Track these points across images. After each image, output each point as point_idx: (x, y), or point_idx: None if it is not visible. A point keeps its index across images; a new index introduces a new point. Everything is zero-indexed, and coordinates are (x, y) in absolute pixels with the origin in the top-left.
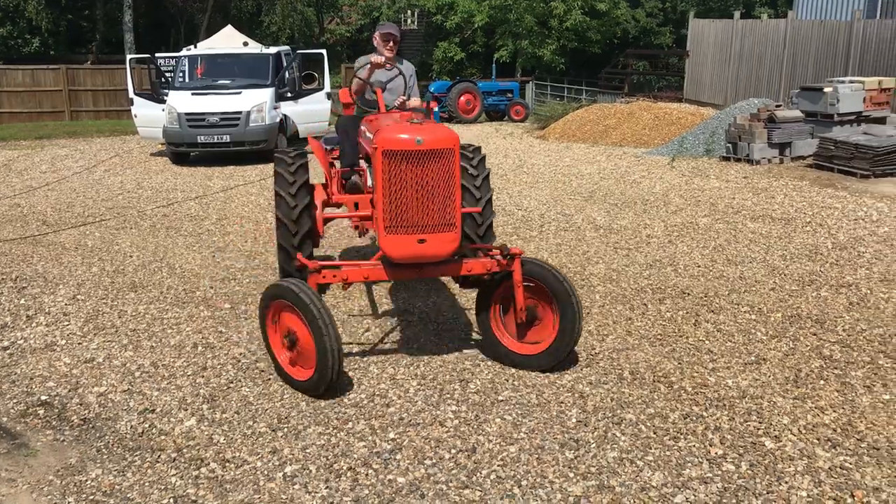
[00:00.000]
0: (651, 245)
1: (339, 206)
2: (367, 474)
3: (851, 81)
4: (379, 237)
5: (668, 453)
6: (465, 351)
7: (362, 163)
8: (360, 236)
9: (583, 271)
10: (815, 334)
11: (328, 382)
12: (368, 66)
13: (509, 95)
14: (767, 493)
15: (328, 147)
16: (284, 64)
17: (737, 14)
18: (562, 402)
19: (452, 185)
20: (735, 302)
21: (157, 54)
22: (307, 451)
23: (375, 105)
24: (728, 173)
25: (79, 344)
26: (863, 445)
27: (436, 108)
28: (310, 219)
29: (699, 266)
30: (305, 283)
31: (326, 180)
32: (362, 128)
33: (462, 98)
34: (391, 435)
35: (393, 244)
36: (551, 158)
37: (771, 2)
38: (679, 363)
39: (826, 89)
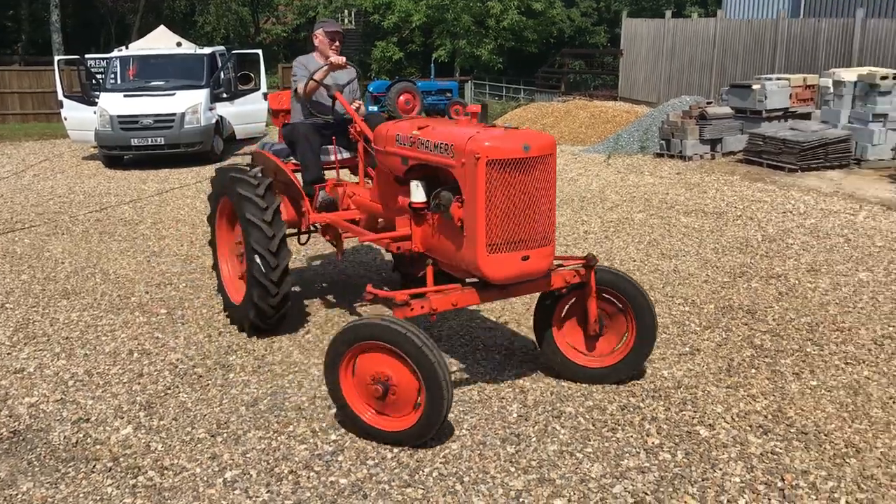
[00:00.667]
0: (588, 241)
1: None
2: (308, 477)
3: (778, 78)
4: (477, 258)
5: (606, 444)
6: None
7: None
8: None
9: None
10: (746, 324)
11: (438, 427)
12: (325, 66)
13: (448, 95)
14: (702, 480)
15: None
16: (219, 64)
17: (668, 13)
18: (503, 398)
19: (553, 194)
20: (670, 295)
21: (87, 55)
22: (247, 455)
23: (328, 110)
24: (662, 169)
25: (8, 354)
26: (792, 431)
27: (375, 108)
28: (287, 248)
29: (635, 260)
30: (397, 318)
31: (293, 199)
32: (393, 134)
33: (401, 97)
34: (333, 437)
35: (496, 265)
36: None
37: (701, 1)
38: None
39: (754, 86)
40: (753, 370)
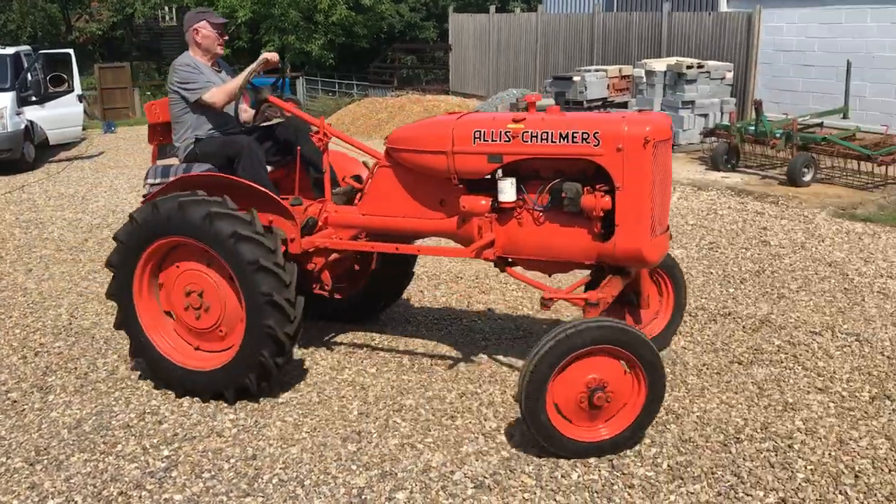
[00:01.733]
0: None
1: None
2: (140, 496)
3: (596, 70)
4: (641, 243)
5: (446, 433)
6: None
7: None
8: None
9: None
10: (580, 307)
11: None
12: (257, 65)
13: (279, 92)
14: (538, 457)
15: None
16: (25, 65)
17: (492, 8)
18: (343, 397)
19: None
20: (503, 281)
21: None
22: (71, 481)
23: (233, 119)
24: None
25: None
26: None
27: None
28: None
29: None
30: (616, 320)
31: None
32: (468, 133)
33: None
34: (165, 452)
35: (655, 248)
36: None
37: None
38: (454, 345)
39: (575, 78)
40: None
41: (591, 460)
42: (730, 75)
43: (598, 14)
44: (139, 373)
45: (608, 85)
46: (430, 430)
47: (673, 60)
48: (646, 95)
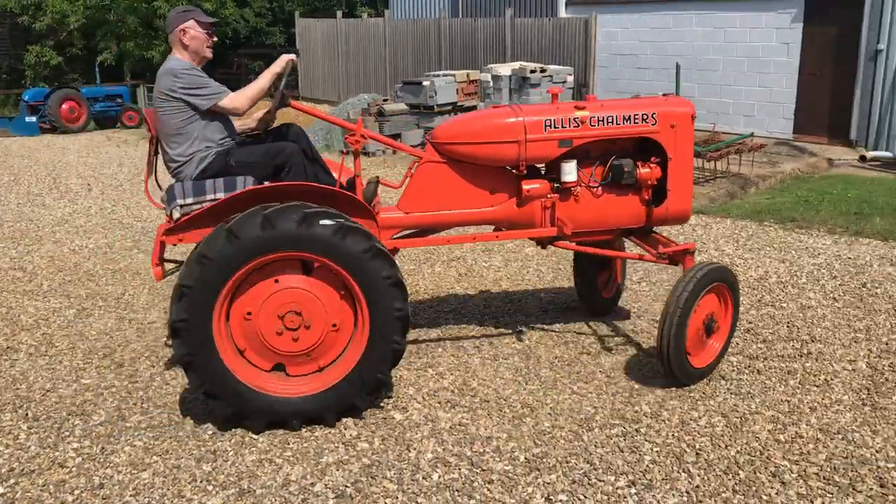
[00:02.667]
0: None
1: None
2: None
3: (445, 75)
4: (688, 205)
5: (305, 445)
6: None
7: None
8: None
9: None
10: (431, 308)
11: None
12: (285, 66)
13: (119, 101)
14: (399, 462)
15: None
16: None
17: (339, 13)
18: (197, 417)
19: None
20: None
21: None
22: None
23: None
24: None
25: None
26: (476, 401)
27: (34, 118)
28: None
29: None
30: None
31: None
32: (539, 121)
33: (64, 106)
34: (0, 490)
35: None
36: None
37: (371, 1)
38: None
39: (424, 83)
40: (440, 349)
41: (451, 459)
42: (571, 78)
43: (444, 20)
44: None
45: (457, 89)
46: (288, 444)
47: (517, 65)
48: (493, 99)
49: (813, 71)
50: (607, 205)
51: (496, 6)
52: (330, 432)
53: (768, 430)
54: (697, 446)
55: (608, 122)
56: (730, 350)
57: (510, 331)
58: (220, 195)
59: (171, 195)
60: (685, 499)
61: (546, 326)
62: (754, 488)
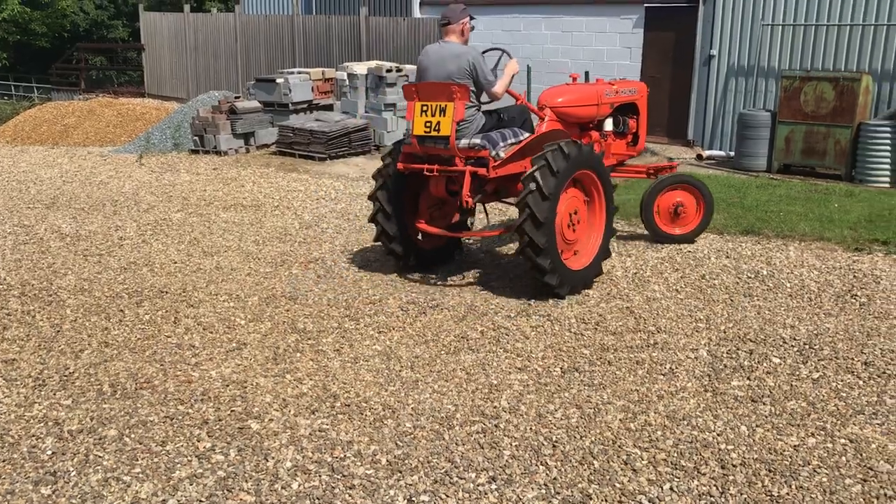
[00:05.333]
0: (124, 247)
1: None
2: None
3: (300, 72)
4: (645, 142)
5: (156, 460)
6: None
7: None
8: None
9: (50, 286)
10: (289, 310)
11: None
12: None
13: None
14: (256, 473)
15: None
16: None
17: (187, 7)
18: (34, 435)
19: None
20: (214, 293)
21: None
22: None
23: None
24: (198, 166)
25: None
26: (337, 405)
27: None
28: None
29: (176, 262)
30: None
31: None
32: (602, 91)
33: None
34: None
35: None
36: (3, 165)
37: None
38: (162, 365)
39: (279, 80)
40: (298, 354)
41: (311, 467)
42: None
43: (297, 16)
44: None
45: (312, 87)
46: (137, 460)
47: (373, 63)
48: (350, 98)
49: (653, 74)
50: (617, 144)
51: (351, 4)
52: (182, 445)
53: (620, 420)
54: (554, 439)
55: (623, 93)
56: (583, 343)
57: (371, 332)
58: (512, 139)
59: (497, 143)
60: (543, 491)
61: (407, 326)
62: (608, 477)
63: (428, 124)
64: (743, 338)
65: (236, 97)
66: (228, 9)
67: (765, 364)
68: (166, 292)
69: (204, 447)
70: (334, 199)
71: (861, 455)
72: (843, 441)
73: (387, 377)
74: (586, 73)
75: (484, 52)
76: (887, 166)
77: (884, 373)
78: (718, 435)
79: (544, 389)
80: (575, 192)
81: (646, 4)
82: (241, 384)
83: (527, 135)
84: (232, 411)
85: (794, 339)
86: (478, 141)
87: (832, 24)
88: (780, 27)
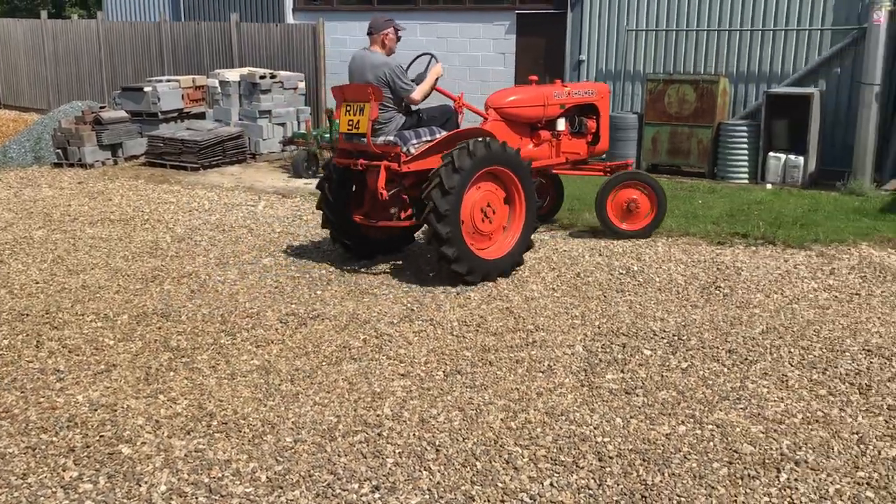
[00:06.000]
0: None
1: None
2: None
3: (169, 80)
4: (607, 143)
5: (16, 495)
6: None
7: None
8: None
9: None
10: (161, 328)
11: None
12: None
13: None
14: (128, 499)
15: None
16: None
17: (44, 14)
18: None
19: None
20: (80, 313)
21: None
22: None
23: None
24: (62, 180)
25: None
26: (214, 424)
27: None
28: None
29: (38, 282)
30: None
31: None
32: (550, 93)
33: None
34: None
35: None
36: None
37: (82, 2)
38: (23, 392)
39: (146, 89)
40: (172, 373)
41: (187, 489)
42: (302, 85)
43: (165, 23)
44: None
45: (183, 95)
46: None
47: (246, 70)
48: (222, 105)
49: (526, 79)
50: (574, 144)
51: (221, 10)
52: (45, 476)
53: (501, 419)
54: (437, 443)
55: (577, 94)
56: (465, 345)
57: (249, 347)
58: (428, 137)
59: (406, 139)
60: (427, 497)
61: (286, 339)
62: (490, 477)
63: (351, 122)
64: (616, 332)
65: (102, 107)
66: (91, 15)
67: (637, 356)
68: (27, 315)
69: (70, 476)
70: (208, 211)
71: (727, 439)
72: (710, 427)
73: (266, 392)
74: (545, 76)
75: (416, 58)
76: (745, 163)
77: (746, 359)
78: (595, 428)
79: (427, 394)
80: (490, 186)
81: (517, 11)
82: (111, 407)
83: (443, 133)
84: (101, 437)
85: (664, 331)
86: (391, 138)
87: (691, 30)
88: (644, 32)
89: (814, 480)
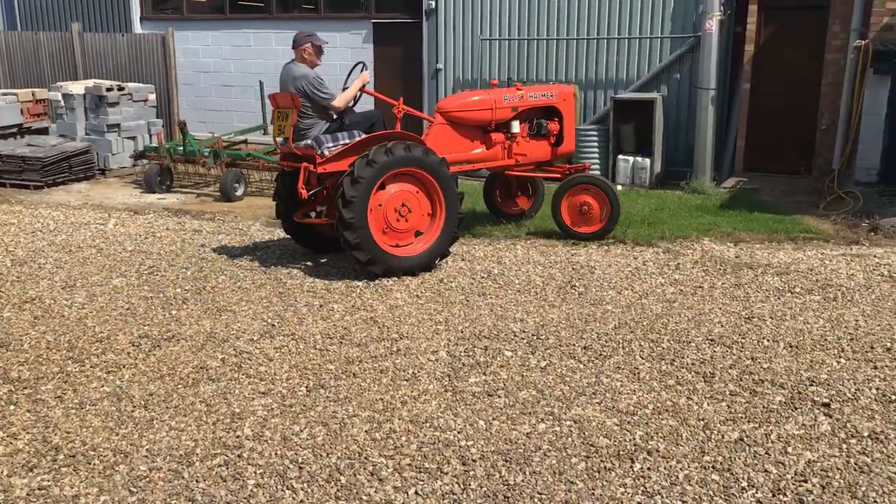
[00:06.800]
0: None
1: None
2: None
3: (5, 94)
4: (573, 146)
5: None
6: None
7: None
8: None
9: None
10: (0, 359)
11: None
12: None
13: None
14: None
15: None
16: None
17: None
18: None
19: None
20: None
21: None
22: None
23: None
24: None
25: None
26: (60, 458)
27: None
28: None
29: None
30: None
31: None
32: (499, 97)
33: None
34: None
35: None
36: None
37: None
38: None
39: None
40: (13, 406)
41: None
42: (153, 97)
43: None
44: None
45: (22, 110)
46: None
47: (91, 83)
48: (67, 119)
49: (385, 88)
50: (533, 147)
51: (61, 19)
52: None
53: (365, 431)
54: (300, 460)
55: (534, 97)
56: (329, 358)
57: (99, 373)
58: (347, 140)
59: (320, 142)
60: None
61: (139, 363)
62: (355, 490)
63: (280, 127)
64: (479, 335)
65: None
66: None
67: (499, 358)
68: None
69: None
70: (53, 231)
71: (584, 434)
72: (568, 423)
73: (117, 420)
74: (508, 79)
75: (353, 67)
76: (597, 166)
77: (600, 355)
78: (459, 432)
79: (289, 411)
80: (407, 186)
81: (373, 20)
82: None
83: (362, 136)
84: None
85: (524, 331)
86: (309, 142)
87: (542, 39)
88: (497, 41)
89: (665, 468)
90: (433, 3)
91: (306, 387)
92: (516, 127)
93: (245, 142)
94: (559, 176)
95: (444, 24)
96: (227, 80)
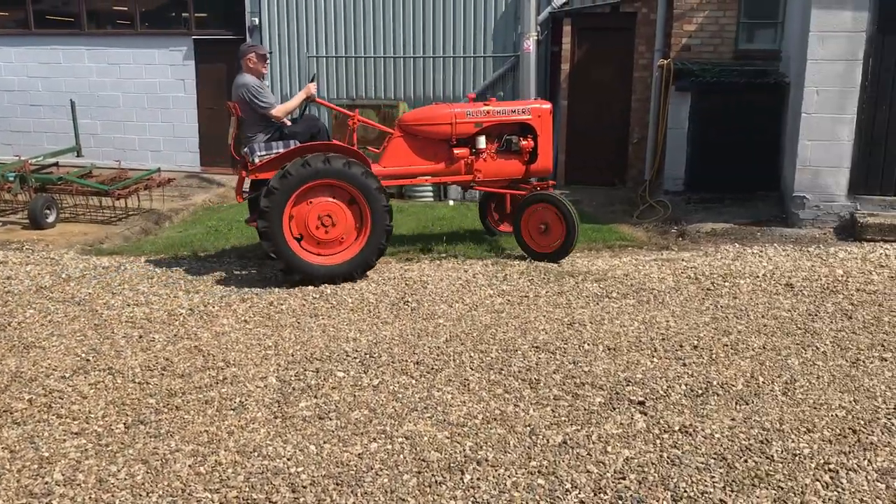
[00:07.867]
0: None
1: None
2: None
3: None
4: (550, 164)
5: None
6: None
7: None
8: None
9: None
10: None
11: (572, 245)
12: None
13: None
14: None
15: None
16: None
17: None
18: None
19: None
20: None
21: None
22: None
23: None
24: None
25: None
26: None
27: None
28: None
29: None
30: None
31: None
32: (461, 112)
33: None
34: None
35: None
36: None
37: None
38: None
39: None
40: None
41: None
42: None
43: None
44: None
45: None
46: None
47: None
48: None
49: (210, 106)
50: (503, 164)
51: None
52: None
53: (189, 465)
54: (118, 502)
55: (503, 113)
56: (149, 392)
57: None
58: (281, 150)
59: (252, 150)
60: None
61: None
62: None
63: (231, 134)
64: (310, 357)
65: None
66: None
67: (330, 380)
68: None
69: None
70: None
71: (416, 449)
72: (400, 440)
73: None
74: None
75: (311, 78)
76: (428, 187)
77: (432, 369)
78: (288, 459)
79: (106, 451)
80: (330, 199)
81: (193, 37)
82: None
83: (295, 146)
84: None
85: (356, 350)
86: (245, 149)
87: (369, 56)
88: (325, 59)
89: (493, 477)
90: (256, 20)
91: (124, 423)
92: (482, 143)
93: (57, 164)
94: (524, 193)
95: (269, 41)
96: (34, 99)
